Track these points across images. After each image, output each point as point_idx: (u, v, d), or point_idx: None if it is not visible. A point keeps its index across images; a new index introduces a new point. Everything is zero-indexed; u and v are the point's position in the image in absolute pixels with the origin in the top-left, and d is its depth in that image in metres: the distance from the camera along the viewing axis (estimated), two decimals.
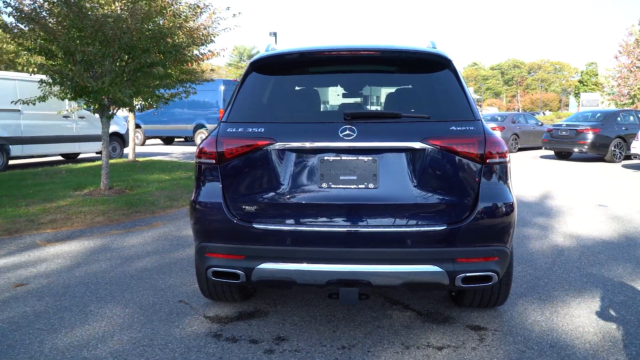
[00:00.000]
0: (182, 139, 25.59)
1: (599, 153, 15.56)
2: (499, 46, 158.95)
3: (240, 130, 2.99)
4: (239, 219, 2.93)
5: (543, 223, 6.64)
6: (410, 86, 3.33)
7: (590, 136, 15.32)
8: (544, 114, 57.62)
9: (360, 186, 2.87)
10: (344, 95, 3.79)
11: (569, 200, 8.49)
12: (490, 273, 2.86)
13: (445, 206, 2.88)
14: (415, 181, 2.87)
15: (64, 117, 12.74)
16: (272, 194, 2.93)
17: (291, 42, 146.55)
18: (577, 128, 15.65)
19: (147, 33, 7.53)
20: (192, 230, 3.18)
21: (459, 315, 3.61)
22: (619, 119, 16.11)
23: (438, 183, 2.89)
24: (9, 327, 3.41)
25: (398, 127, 2.95)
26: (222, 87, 20.19)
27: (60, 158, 14.87)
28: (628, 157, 15.45)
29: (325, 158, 2.89)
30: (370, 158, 2.87)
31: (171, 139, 23.83)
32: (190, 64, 10.12)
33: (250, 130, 2.97)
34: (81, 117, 13.48)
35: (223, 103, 20.30)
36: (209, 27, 10.34)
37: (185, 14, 8.85)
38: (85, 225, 6.19)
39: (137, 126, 20.96)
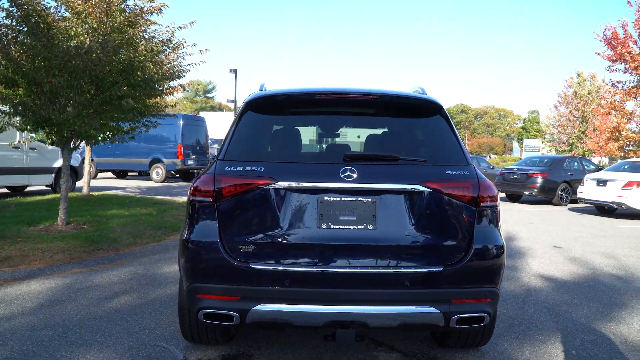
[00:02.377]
0: (136, 173, 24.98)
1: (547, 196, 16.31)
2: (448, 92, 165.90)
3: (238, 168, 2.97)
4: (236, 258, 2.88)
5: (509, 264, 6.84)
6: (406, 130, 3.42)
7: (539, 180, 16.06)
8: (490, 157, 60.04)
9: (359, 227, 2.89)
10: (342, 137, 3.85)
11: (527, 242, 8.81)
12: (483, 314, 2.92)
13: (442, 248, 2.94)
14: (413, 222, 2.92)
15: (14, 147, 12.21)
16: (270, 233, 2.91)
17: (251, 79, 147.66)
18: (527, 172, 16.39)
19: (119, 65, 7.41)
20: (181, 269, 3.09)
21: (443, 356, 3.63)
22: (565, 164, 17.01)
23: (435, 225, 2.96)
24: None
25: (396, 169, 3.02)
26: (181, 122, 20.00)
27: (6, 191, 14.16)
28: (574, 201, 16.26)
29: (325, 198, 2.91)
30: (369, 199, 2.91)
31: (125, 172, 23.21)
32: (158, 97, 10.00)
33: (249, 169, 2.96)
34: (32, 149, 12.95)
35: (182, 138, 20.07)
36: (173, 62, 10.31)
37: (157, 47, 8.79)
38: (44, 264, 5.87)
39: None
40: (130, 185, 18.79)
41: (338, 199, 2.92)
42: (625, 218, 13.27)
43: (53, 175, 13.56)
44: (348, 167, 2.94)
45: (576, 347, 3.92)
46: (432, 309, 2.83)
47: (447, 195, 2.96)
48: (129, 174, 24.18)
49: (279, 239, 2.90)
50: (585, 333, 4.23)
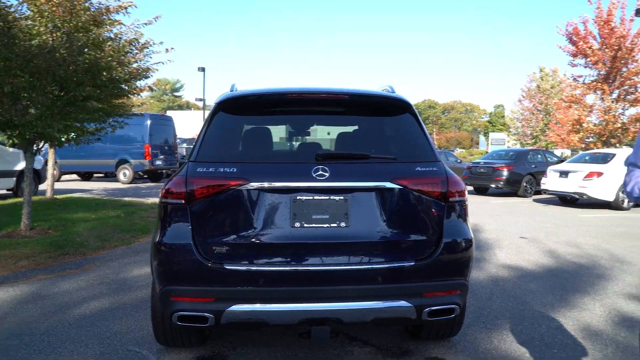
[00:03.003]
0: (102, 175, 24.47)
1: (512, 188, 16.72)
2: (416, 87, 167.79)
3: (211, 170, 2.97)
4: (210, 260, 2.87)
5: (476, 255, 6.96)
6: (375, 128, 3.47)
7: (505, 173, 16.46)
8: (458, 151, 61.11)
9: (332, 225, 2.92)
10: (313, 134, 3.88)
11: (495, 233, 9.03)
12: (454, 306, 3.00)
13: (413, 243, 3.00)
14: (384, 219, 2.97)
15: None
16: (244, 233, 2.91)
17: (220, 78, 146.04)
18: (494, 166, 16.78)
19: (84, 65, 7.24)
20: (154, 272, 3.07)
21: (416, 348, 3.71)
22: (529, 157, 17.48)
23: (405, 220, 3.02)
24: None
25: (367, 167, 3.06)
26: (148, 122, 19.67)
27: None
28: (538, 192, 16.72)
29: (298, 198, 2.93)
30: (342, 197, 2.95)
31: (90, 174, 22.71)
32: (125, 97, 9.82)
33: (222, 170, 2.96)
34: None
35: (149, 138, 19.74)
36: (140, 61, 10.13)
37: (124, 47, 8.62)
38: (8, 271, 5.71)
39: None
40: (96, 187, 18.42)
41: (311, 197, 2.95)
42: (587, 208, 13.71)
43: (14, 178, 13.17)
44: (320, 166, 2.96)
45: (542, 333, 4.05)
46: (404, 303, 2.89)
47: (416, 192, 3.03)
48: (95, 175, 23.68)
49: (253, 239, 2.91)
50: (550, 320, 4.38)
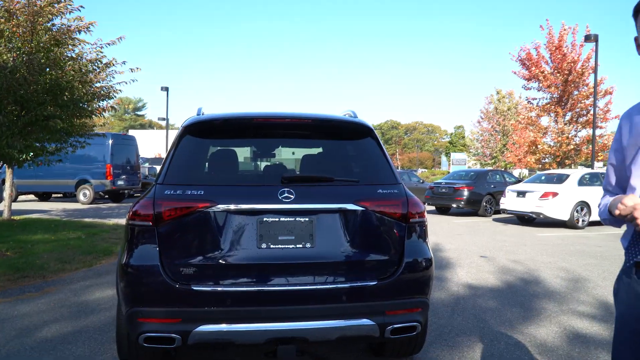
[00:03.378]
0: (61, 195, 23.85)
1: (473, 208, 17.18)
2: (379, 108, 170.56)
3: (178, 192, 3.02)
4: (177, 281, 2.91)
5: (438, 274, 7.18)
6: (338, 151, 3.60)
7: (465, 193, 16.92)
8: (420, 171, 62.21)
9: (297, 246, 3.01)
10: (278, 157, 3.97)
11: (456, 252, 9.26)
12: (415, 323, 3.11)
13: (376, 262, 3.12)
14: (348, 240, 3.08)
15: None
16: (211, 255, 2.97)
17: (182, 97, 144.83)
18: (455, 186, 17.23)
19: (45, 85, 7.18)
20: (120, 294, 3.08)
21: None
22: (488, 177, 18.04)
23: (368, 241, 3.13)
24: None
25: (331, 190, 3.18)
26: (110, 142, 19.37)
27: None
28: (497, 212, 17.23)
29: (265, 219, 3.01)
30: (307, 219, 3.05)
31: (49, 194, 22.10)
32: (86, 118, 9.71)
33: (189, 192, 3.01)
34: None
35: (111, 158, 19.42)
36: (102, 81, 10.08)
37: (86, 68, 8.58)
38: None
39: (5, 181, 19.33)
40: (55, 207, 17.94)
41: (277, 219, 3.03)
42: (544, 227, 14.22)
43: None
44: (286, 189, 3.06)
45: (500, 350, 4.21)
46: (367, 321, 2.99)
47: (378, 213, 3.15)
48: (53, 195, 23.07)
49: (220, 261, 2.97)
50: (508, 337, 4.55)
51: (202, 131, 3.45)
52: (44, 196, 22.00)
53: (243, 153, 3.72)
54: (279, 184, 3.11)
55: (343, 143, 3.62)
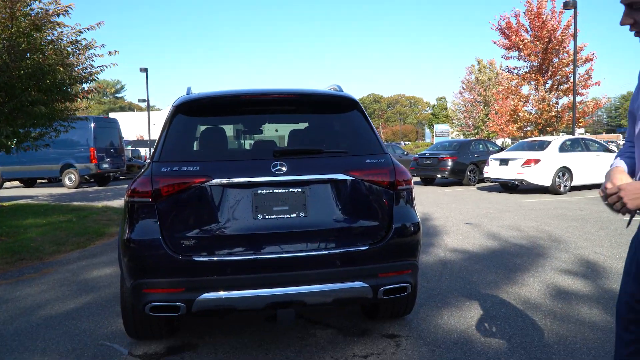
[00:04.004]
0: (45, 180, 23.69)
1: (457, 178, 17.47)
2: (361, 82, 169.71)
3: (175, 169, 3.14)
4: (179, 253, 3.05)
5: (426, 241, 7.41)
6: (326, 125, 3.73)
7: (449, 163, 17.18)
8: (404, 144, 62.53)
9: (291, 215, 3.17)
10: (268, 134, 4.09)
11: (442, 221, 9.51)
12: (406, 284, 3.30)
13: (366, 228, 3.28)
14: (339, 208, 3.24)
15: None
16: (210, 227, 3.11)
17: (161, 78, 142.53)
18: (439, 157, 17.47)
19: (28, 70, 7.16)
20: (124, 268, 3.22)
21: (374, 327, 4.01)
22: (471, 147, 18.29)
23: (359, 209, 3.29)
24: None
25: (321, 161, 3.32)
26: (92, 125, 19.21)
27: None
28: (481, 181, 17.55)
29: (259, 191, 3.15)
30: (299, 190, 3.20)
31: (33, 180, 21.95)
32: (73, 100, 9.66)
33: (185, 168, 3.14)
34: None
35: (94, 141, 19.30)
36: (82, 65, 10.00)
37: (66, 51, 8.52)
38: None
39: None
40: (42, 193, 17.87)
41: (271, 191, 3.17)
42: (527, 193, 14.54)
43: None
44: (278, 162, 3.20)
45: (487, 308, 4.45)
46: (361, 284, 3.17)
47: (367, 182, 3.31)
48: (38, 181, 22.90)
49: (219, 232, 3.11)
50: (494, 296, 4.79)
51: (193, 110, 3.55)
52: (29, 182, 21.85)
53: (233, 129, 3.83)
54: (271, 157, 3.24)
55: (330, 117, 3.75)
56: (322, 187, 3.25)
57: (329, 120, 3.73)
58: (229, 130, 3.69)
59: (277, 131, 4.34)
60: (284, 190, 3.18)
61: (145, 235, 3.09)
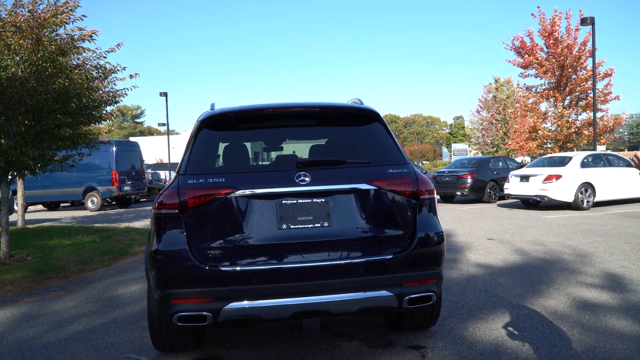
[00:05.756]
0: (68, 204, 24.11)
1: (477, 195, 17.34)
2: (377, 103, 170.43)
3: (200, 181, 3.21)
4: (206, 263, 3.10)
5: (449, 257, 7.34)
6: (348, 137, 3.78)
7: (469, 181, 17.07)
8: (422, 163, 62.36)
9: (316, 225, 3.21)
10: (292, 146, 4.16)
11: (464, 237, 9.45)
12: (431, 293, 3.30)
13: (390, 238, 3.30)
14: (363, 217, 3.27)
15: None
16: (235, 237, 3.16)
17: (179, 102, 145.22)
18: (458, 174, 17.38)
19: (54, 94, 7.39)
20: (151, 280, 3.27)
21: (398, 339, 4.00)
22: (490, 164, 18.17)
23: (382, 218, 3.32)
24: None
25: (345, 172, 3.36)
26: (114, 149, 19.60)
27: None
28: (502, 198, 17.39)
29: (283, 202, 3.21)
30: (323, 200, 3.24)
31: (57, 204, 22.36)
32: (96, 123, 9.91)
33: (210, 180, 3.21)
34: None
35: (116, 164, 19.66)
36: (105, 88, 10.27)
37: (91, 75, 8.78)
38: None
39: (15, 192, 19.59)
40: (65, 215, 18.19)
41: (295, 201, 3.22)
42: (549, 209, 14.36)
43: None
44: (302, 173, 3.25)
45: (513, 320, 4.40)
46: (386, 293, 3.18)
47: (390, 191, 3.35)
48: (61, 204, 23.32)
49: (244, 242, 3.16)
50: (519, 309, 4.73)
51: (217, 124, 3.64)
52: (52, 205, 22.25)
53: (257, 142, 3.91)
54: (294, 168, 3.30)
55: (352, 129, 3.80)
56: (345, 197, 3.29)
57: (351, 132, 3.79)
58: (252, 143, 3.76)
59: (294, 152, 4.41)
60: (308, 201, 3.23)
61: (173, 246, 3.15)
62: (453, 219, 12.81)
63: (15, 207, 15.14)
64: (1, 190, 7.83)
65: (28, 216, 17.70)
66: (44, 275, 6.65)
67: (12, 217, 13.49)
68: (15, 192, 15.93)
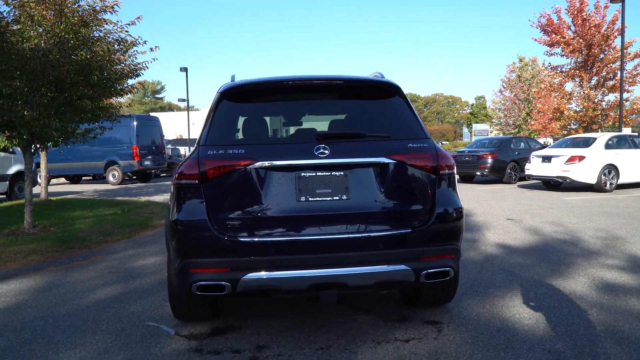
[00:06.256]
0: (90, 177, 24.52)
1: (497, 175, 17.14)
2: (398, 81, 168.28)
3: (220, 152, 3.22)
4: (225, 234, 3.13)
5: (467, 236, 7.32)
6: (368, 110, 3.75)
7: (489, 161, 16.87)
8: (442, 143, 61.74)
9: (334, 198, 3.20)
10: (311, 119, 4.14)
11: (482, 217, 9.38)
12: (448, 268, 3.29)
13: (409, 212, 3.29)
14: (382, 191, 3.26)
15: None
16: (254, 208, 3.18)
17: (200, 78, 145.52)
18: (478, 154, 17.17)
19: (76, 66, 7.45)
20: (171, 249, 3.32)
21: (415, 314, 4.01)
22: (512, 145, 17.91)
23: (401, 192, 3.30)
24: None
25: (364, 145, 3.34)
26: (135, 123, 19.79)
27: None
28: (522, 179, 17.17)
29: (302, 174, 3.20)
30: (342, 173, 3.23)
31: (79, 177, 22.76)
32: (112, 98, 9.99)
33: (230, 151, 3.22)
34: None
35: (137, 139, 19.86)
36: (125, 61, 10.31)
37: (113, 48, 8.81)
38: (19, 264, 5.92)
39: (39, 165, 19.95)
40: (87, 189, 18.51)
41: (314, 174, 3.22)
42: (570, 191, 14.16)
43: (7, 182, 13.28)
44: (321, 145, 3.24)
45: (531, 299, 4.37)
46: (403, 267, 3.17)
47: (410, 166, 3.32)
48: (83, 178, 23.72)
49: (263, 214, 3.18)
50: (538, 287, 4.70)
51: (237, 95, 3.64)
52: (74, 179, 22.65)
53: (277, 114, 3.90)
54: (314, 141, 3.28)
55: (373, 102, 3.76)
56: (364, 170, 3.27)
57: (372, 106, 3.75)
58: (272, 115, 3.75)
59: (326, 116, 4.37)
60: (327, 174, 3.22)
61: (193, 216, 3.18)
62: (472, 198, 12.71)
63: (38, 179, 15.45)
64: (25, 161, 7.97)
65: (51, 189, 18.05)
66: (66, 246, 6.79)
67: (36, 190, 13.78)
68: (38, 165, 16.28)
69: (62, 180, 23.51)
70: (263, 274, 3.10)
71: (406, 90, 3.77)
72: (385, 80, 3.76)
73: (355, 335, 3.58)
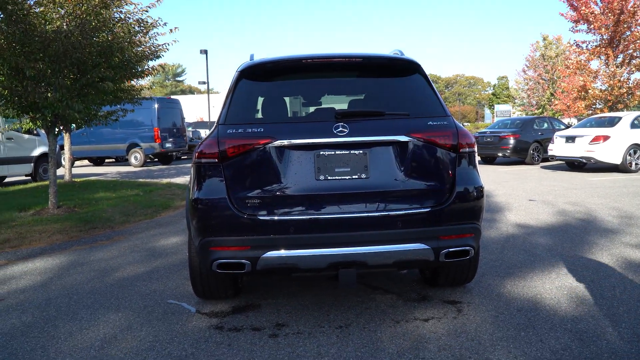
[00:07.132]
0: (113, 160, 24.86)
1: (520, 156, 16.89)
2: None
3: (240, 130, 3.22)
4: (244, 212, 3.14)
5: (488, 217, 7.25)
6: (388, 88, 3.70)
7: (511, 141, 16.60)
8: (464, 124, 60.93)
9: (353, 177, 3.18)
10: (330, 97, 4.11)
11: (504, 197, 9.27)
12: (468, 247, 3.26)
13: (428, 190, 3.26)
14: (401, 170, 3.23)
15: None
16: (273, 187, 3.18)
17: (220, 60, 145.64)
18: (500, 135, 16.91)
19: (98, 48, 7.50)
20: (192, 228, 3.35)
21: (434, 294, 3.99)
22: (535, 125, 17.58)
23: (420, 171, 3.27)
24: (1, 338, 3.39)
25: (384, 123, 3.30)
26: (156, 105, 19.93)
27: None
28: (545, 160, 16.89)
29: (321, 153, 3.19)
30: (361, 151, 3.20)
31: (102, 159, 23.10)
32: (133, 81, 10.06)
33: (250, 130, 3.22)
34: (9, 139, 12.89)
35: (158, 121, 20.01)
36: (146, 43, 10.35)
37: (133, 29, 8.85)
38: (44, 243, 6.06)
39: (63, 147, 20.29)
40: (110, 171, 18.78)
41: (333, 152, 3.20)
42: (595, 172, 13.89)
43: (32, 164, 13.55)
44: (340, 124, 3.21)
45: (552, 278, 4.32)
46: (422, 245, 3.15)
47: (430, 144, 3.27)
48: (106, 160, 24.06)
49: (282, 192, 3.18)
50: (559, 268, 4.64)
51: (256, 74, 3.62)
52: (97, 161, 23.00)
53: (296, 93, 3.87)
54: (333, 119, 3.26)
55: (392, 80, 3.71)
56: (383, 149, 3.24)
57: (392, 84, 3.70)
58: (291, 93, 3.73)
59: (346, 94, 4.33)
60: (346, 152, 3.20)
61: (213, 195, 3.20)
62: (493, 179, 12.56)
63: (62, 161, 15.73)
64: (49, 143, 8.10)
65: (75, 170, 18.37)
66: (90, 225, 6.91)
67: (60, 171, 14.03)
68: (62, 147, 16.55)
69: (86, 162, 23.91)
70: (282, 252, 3.11)
71: (427, 71, 3.71)
72: (405, 58, 3.70)
73: (374, 315, 3.59)
